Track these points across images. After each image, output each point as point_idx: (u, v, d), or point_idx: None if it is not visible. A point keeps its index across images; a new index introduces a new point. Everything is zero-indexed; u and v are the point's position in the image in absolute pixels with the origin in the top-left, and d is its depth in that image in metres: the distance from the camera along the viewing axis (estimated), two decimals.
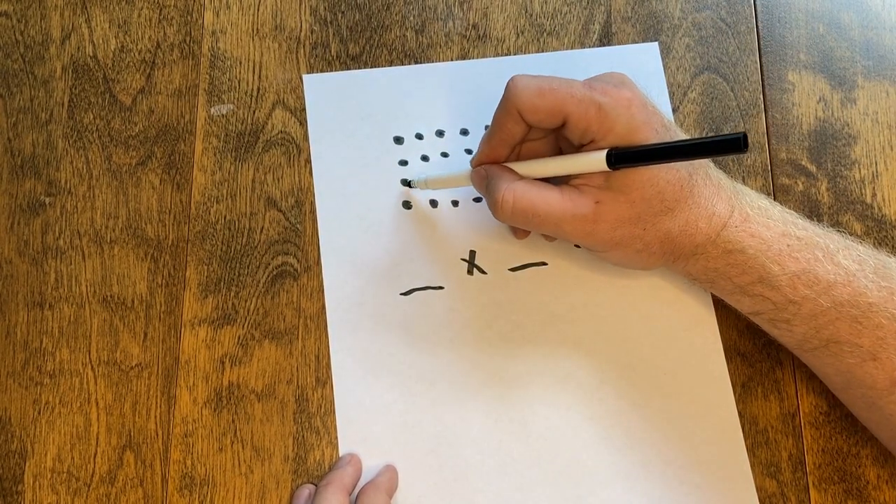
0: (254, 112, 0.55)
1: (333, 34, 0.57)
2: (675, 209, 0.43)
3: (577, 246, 0.52)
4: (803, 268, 0.42)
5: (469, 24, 0.56)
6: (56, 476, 0.49)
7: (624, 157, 0.41)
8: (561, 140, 0.46)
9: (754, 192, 0.45)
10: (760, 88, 0.55)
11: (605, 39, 0.56)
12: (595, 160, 0.42)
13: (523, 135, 0.45)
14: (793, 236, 0.43)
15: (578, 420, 0.49)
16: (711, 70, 0.55)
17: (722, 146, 0.37)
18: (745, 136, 0.35)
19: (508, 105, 0.44)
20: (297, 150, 0.54)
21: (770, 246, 0.43)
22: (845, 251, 0.43)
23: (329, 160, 0.54)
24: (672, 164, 0.42)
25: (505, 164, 0.47)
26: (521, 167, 0.46)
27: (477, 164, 0.47)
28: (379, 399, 0.49)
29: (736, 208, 0.43)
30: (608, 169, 0.42)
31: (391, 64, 0.56)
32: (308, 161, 0.54)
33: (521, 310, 0.51)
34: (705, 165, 0.44)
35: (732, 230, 0.43)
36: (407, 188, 0.53)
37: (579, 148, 0.44)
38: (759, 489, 0.47)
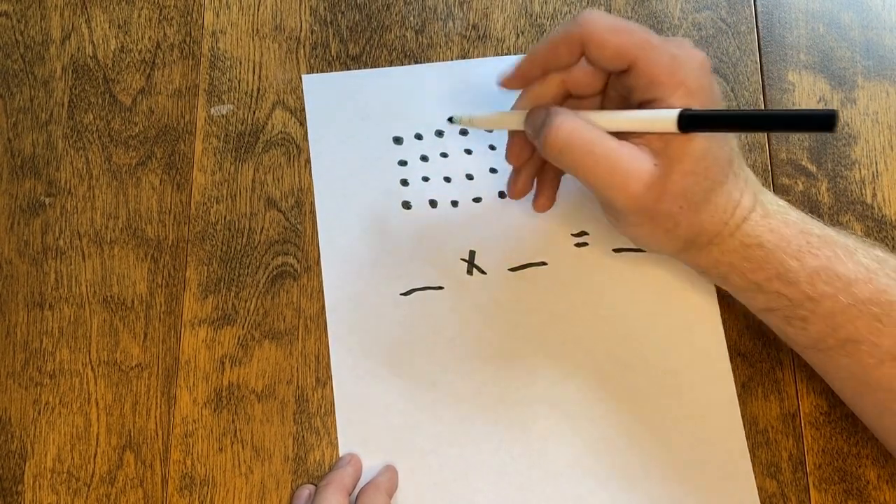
0: (254, 112, 0.55)
1: (333, 34, 0.57)
2: (715, 189, 0.41)
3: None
4: (823, 265, 0.41)
5: (469, 24, 0.57)
6: (56, 476, 0.49)
7: (697, 121, 0.38)
8: (611, 101, 0.44)
9: (771, 192, 0.45)
10: (760, 88, 0.55)
11: None
12: (665, 119, 0.39)
13: (567, 67, 0.43)
14: (812, 234, 0.42)
15: (578, 420, 0.49)
16: (712, 70, 0.55)
17: (810, 121, 0.34)
18: (835, 115, 0.33)
19: (573, 30, 0.41)
20: (297, 150, 0.54)
21: (789, 242, 0.42)
22: (864, 250, 0.42)
23: (329, 160, 0.54)
24: (723, 143, 0.41)
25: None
26: (581, 116, 0.42)
27: (507, 78, 0.44)
28: (379, 399, 0.49)
29: (758, 203, 0.42)
30: (676, 131, 0.39)
31: (391, 64, 0.56)
32: (308, 161, 0.54)
33: (521, 310, 0.51)
34: (739, 162, 0.43)
35: (752, 224, 0.42)
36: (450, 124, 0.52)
37: (637, 106, 0.42)
38: (759, 489, 0.47)
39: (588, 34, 0.41)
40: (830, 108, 0.36)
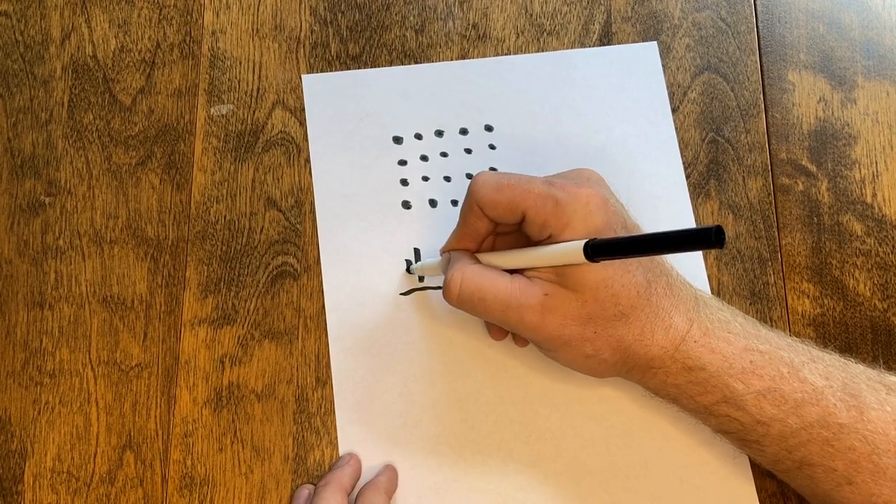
0: (254, 112, 0.55)
1: (333, 34, 0.57)
2: (630, 316, 0.41)
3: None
4: (768, 386, 0.41)
5: (469, 24, 0.56)
6: (56, 476, 0.49)
7: (602, 249, 0.38)
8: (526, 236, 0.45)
9: (717, 301, 0.44)
10: (760, 88, 0.55)
11: (605, 39, 0.56)
12: (572, 251, 0.40)
13: (487, 230, 0.45)
14: (755, 350, 0.42)
15: (578, 420, 0.49)
16: (712, 70, 0.55)
17: (698, 238, 0.33)
18: (717, 230, 0.31)
19: (470, 200, 0.44)
20: (296, 150, 0.54)
21: (732, 363, 0.41)
22: (811, 364, 0.42)
23: (329, 160, 0.54)
24: (629, 268, 0.41)
25: (476, 253, 0.46)
26: (491, 258, 0.45)
27: (446, 246, 0.47)
28: (379, 399, 0.49)
29: (695, 321, 0.42)
30: (585, 261, 0.39)
31: (391, 64, 0.56)
32: (308, 161, 0.54)
33: None
34: (666, 274, 0.43)
35: (692, 345, 0.41)
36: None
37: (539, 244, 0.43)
38: (759, 489, 0.47)
39: (480, 199, 0.43)
40: (717, 225, 0.35)
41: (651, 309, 0.41)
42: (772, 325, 0.50)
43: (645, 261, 0.42)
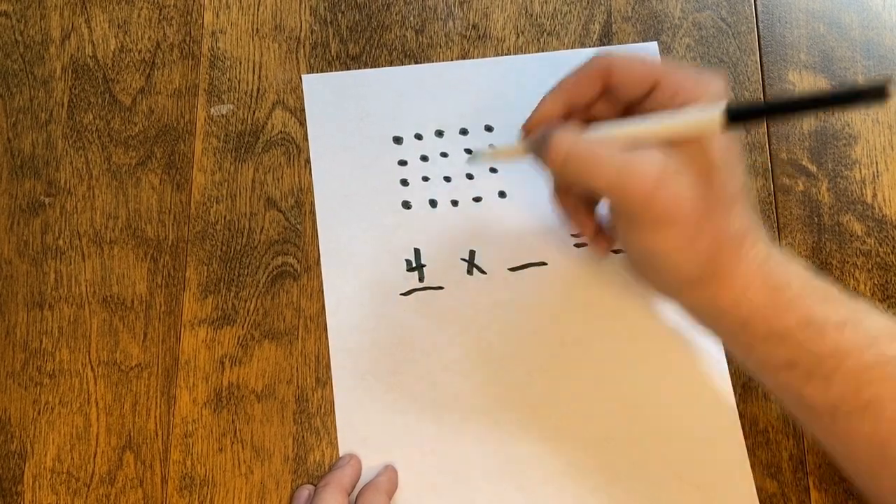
0: (254, 112, 0.55)
1: (333, 34, 0.57)
2: (733, 208, 0.40)
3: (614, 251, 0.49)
4: (849, 317, 0.39)
5: (469, 24, 0.56)
6: (56, 476, 0.49)
7: (744, 112, 0.36)
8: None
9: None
10: (761, 88, 0.55)
11: (606, 39, 0.56)
12: (709, 115, 0.37)
13: (590, 102, 0.43)
14: (832, 288, 0.41)
15: (578, 420, 0.49)
16: (712, 70, 0.55)
17: (862, 94, 0.32)
18: (885, 85, 0.30)
19: (596, 63, 0.42)
20: (296, 150, 0.54)
21: (815, 289, 0.40)
22: (880, 312, 0.40)
23: (329, 160, 0.54)
24: (737, 165, 0.40)
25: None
26: (601, 128, 0.42)
27: (530, 124, 0.44)
28: (379, 399, 0.49)
29: (776, 250, 0.42)
30: (721, 127, 0.37)
31: (391, 64, 0.56)
32: (308, 161, 0.54)
33: (521, 310, 0.51)
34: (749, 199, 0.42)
35: (775, 264, 0.40)
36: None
37: None
38: (759, 489, 0.47)
39: (612, 63, 0.42)
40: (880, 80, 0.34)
41: (745, 213, 0.41)
42: None
43: (741, 168, 0.41)
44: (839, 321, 0.39)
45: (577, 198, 0.47)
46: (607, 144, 0.40)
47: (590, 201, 0.48)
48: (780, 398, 0.43)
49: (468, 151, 0.54)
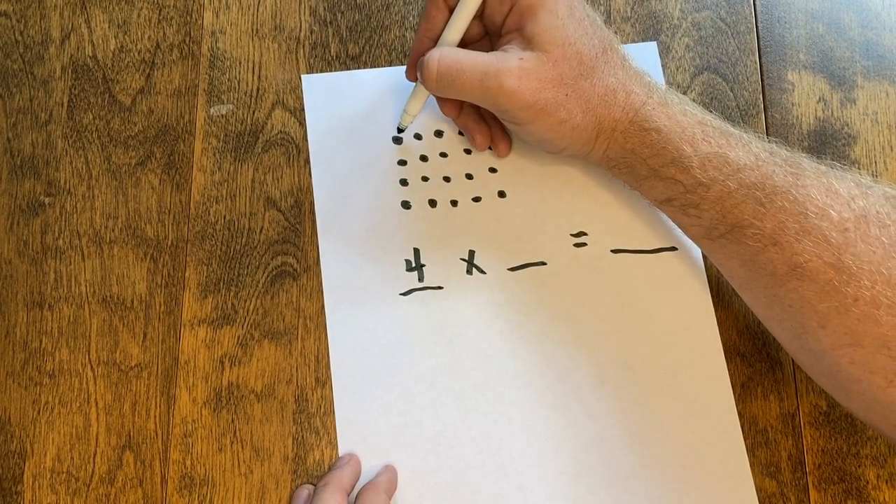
0: (253, 112, 0.55)
1: (333, 34, 0.57)
2: (594, 74, 0.45)
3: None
4: (715, 151, 0.44)
5: None
6: (56, 476, 0.49)
7: None
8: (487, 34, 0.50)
9: (676, 92, 0.47)
10: (760, 88, 0.55)
11: None
12: None
13: (444, 23, 0.48)
14: (709, 125, 0.45)
15: (578, 420, 0.49)
16: (711, 70, 0.55)
17: None
18: None
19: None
20: (296, 150, 0.54)
21: (685, 129, 0.45)
22: (759, 142, 0.45)
23: (328, 160, 0.54)
24: (587, 31, 0.46)
25: None
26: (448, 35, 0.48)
27: (410, 61, 0.50)
28: (379, 399, 0.49)
29: (654, 94, 0.46)
30: None
31: (391, 64, 0.56)
32: (307, 161, 0.54)
33: (520, 310, 0.51)
34: (620, 53, 0.47)
35: (650, 110, 0.45)
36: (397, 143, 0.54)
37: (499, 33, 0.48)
38: (758, 489, 0.47)
39: None
40: None
41: (610, 71, 0.46)
42: None
43: (599, 33, 0.46)
44: (703, 157, 0.44)
45: (467, 112, 0.52)
46: (468, 54, 0.46)
47: (479, 112, 0.53)
48: (678, 227, 0.48)
49: (467, 152, 0.54)
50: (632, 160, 0.46)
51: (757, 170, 0.43)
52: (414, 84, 0.52)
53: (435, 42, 0.49)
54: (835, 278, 0.40)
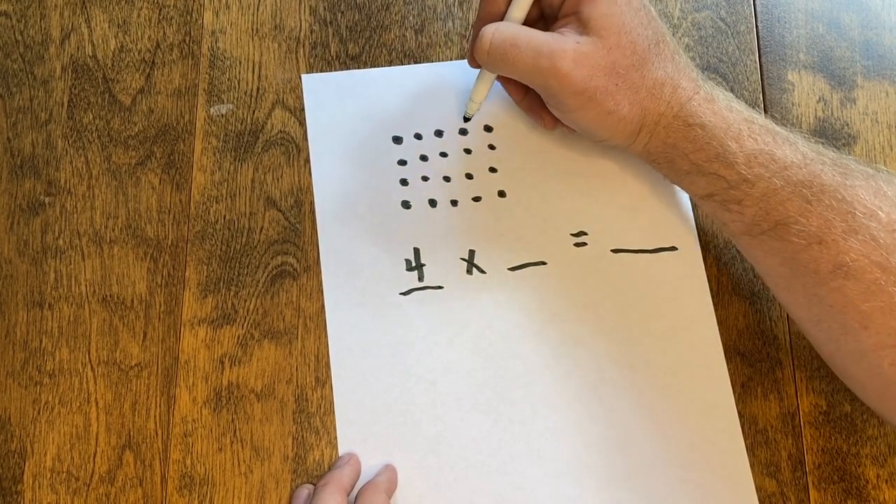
0: (253, 112, 0.55)
1: (333, 34, 0.57)
2: (645, 65, 0.45)
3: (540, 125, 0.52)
4: (761, 148, 0.43)
5: (469, 24, 0.56)
6: (56, 476, 0.49)
7: None
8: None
9: (721, 88, 0.47)
10: (760, 88, 0.55)
11: None
12: None
13: (505, 4, 0.47)
14: (755, 122, 0.44)
15: (578, 420, 0.49)
16: (711, 70, 0.55)
17: None
18: None
19: None
20: (296, 149, 0.54)
21: (730, 125, 0.44)
22: (806, 142, 0.44)
23: (328, 160, 0.54)
24: (642, 21, 0.45)
25: None
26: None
27: (471, 46, 0.49)
28: (379, 399, 0.49)
29: (702, 89, 0.45)
30: None
31: (391, 64, 0.56)
32: (307, 161, 0.54)
33: (520, 309, 0.51)
34: (672, 46, 0.46)
35: (695, 105, 0.45)
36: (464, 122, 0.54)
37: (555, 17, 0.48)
38: (758, 489, 0.47)
39: None
40: None
41: (661, 64, 0.45)
42: (773, 325, 0.50)
43: (654, 24, 0.46)
44: (749, 154, 0.43)
45: (532, 95, 0.51)
46: (525, 31, 0.46)
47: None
48: (716, 223, 0.48)
49: (468, 151, 0.54)
50: (673, 155, 0.46)
51: (804, 168, 0.42)
52: (477, 71, 0.51)
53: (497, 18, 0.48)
54: (881, 278, 0.40)
